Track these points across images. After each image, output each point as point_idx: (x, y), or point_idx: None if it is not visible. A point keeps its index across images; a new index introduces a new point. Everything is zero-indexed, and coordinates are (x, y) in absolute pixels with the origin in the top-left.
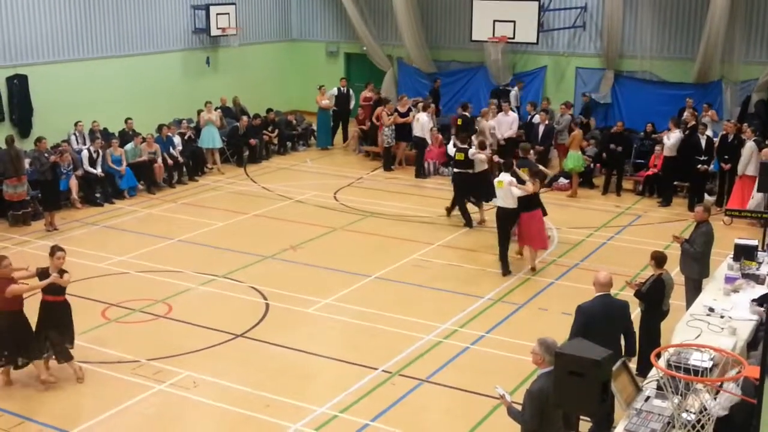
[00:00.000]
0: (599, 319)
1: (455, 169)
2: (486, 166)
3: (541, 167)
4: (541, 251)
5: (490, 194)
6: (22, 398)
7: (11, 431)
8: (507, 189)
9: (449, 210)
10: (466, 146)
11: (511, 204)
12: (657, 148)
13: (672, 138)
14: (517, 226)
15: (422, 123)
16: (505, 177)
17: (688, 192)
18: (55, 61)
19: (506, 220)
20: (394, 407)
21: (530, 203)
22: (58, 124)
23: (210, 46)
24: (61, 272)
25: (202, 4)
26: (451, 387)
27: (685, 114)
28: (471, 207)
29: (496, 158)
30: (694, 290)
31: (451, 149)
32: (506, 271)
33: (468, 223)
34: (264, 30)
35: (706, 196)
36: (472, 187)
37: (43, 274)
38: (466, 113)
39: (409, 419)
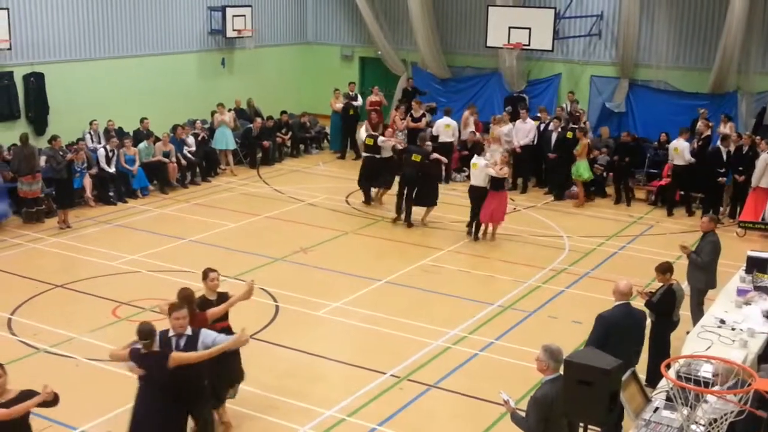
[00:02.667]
0: (619, 328)
1: (365, 153)
2: (391, 154)
3: (436, 155)
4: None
5: (390, 181)
6: None
7: None
8: (481, 170)
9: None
10: (376, 133)
11: (482, 183)
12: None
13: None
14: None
15: (453, 128)
16: (479, 160)
17: (701, 203)
18: (72, 60)
19: (477, 196)
20: (402, 412)
21: (496, 184)
22: (74, 123)
23: (225, 48)
24: (220, 295)
25: (218, 6)
26: (459, 393)
27: (699, 124)
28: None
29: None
30: (697, 303)
31: (363, 135)
32: (474, 237)
33: (367, 200)
34: (279, 32)
35: (721, 209)
36: (377, 170)
37: (203, 302)
38: (575, 126)
39: (416, 424)
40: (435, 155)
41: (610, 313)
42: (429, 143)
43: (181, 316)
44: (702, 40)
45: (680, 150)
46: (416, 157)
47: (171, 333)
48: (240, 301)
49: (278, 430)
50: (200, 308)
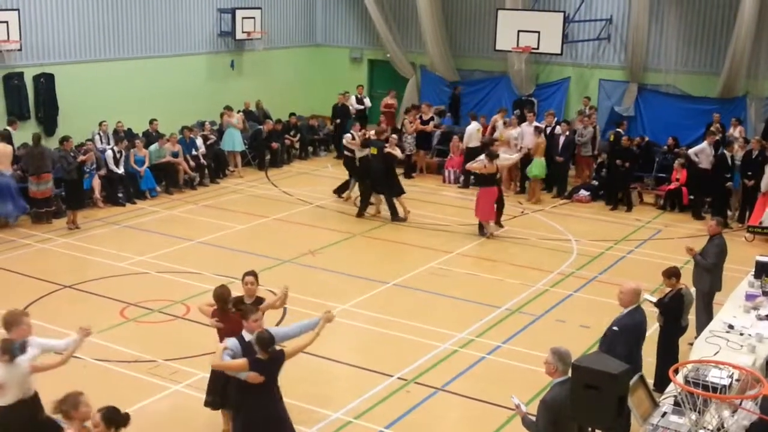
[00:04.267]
0: (642, 332)
1: (346, 152)
2: (365, 153)
3: (390, 150)
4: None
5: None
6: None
7: None
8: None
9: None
10: (352, 134)
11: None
12: (676, 162)
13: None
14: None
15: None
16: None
17: (710, 208)
18: (82, 61)
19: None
20: (409, 414)
21: (486, 181)
22: (83, 124)
23: (235, 50)
24: (257, 300)
25: (228, 8)
26: (466, 396)
27: (712, 128)
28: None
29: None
30: (704, 305)
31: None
32: (481, 233)
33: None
34: (289, 34)
35: (729, 213)
36: (355, 170)
37: (238, 303)
38: (620, 130)
39: (423, 427)
40: (388, 149)
41: (633, 320)
42: (394, 136)
43: (259, 318)
44: (711, 44)
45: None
46: (373, 150)
47: (249, 337)
48: (272, 308)
49: None
50: (236, 307)
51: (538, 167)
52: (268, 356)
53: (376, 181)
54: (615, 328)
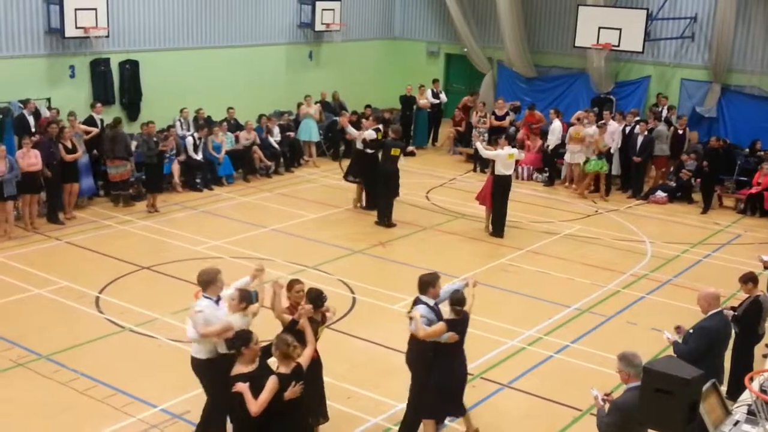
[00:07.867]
0: (722, 338)
1: (368, 150)
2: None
3: (412, 148)
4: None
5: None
6: (114, 372)
7: (106, 401)
8: (515, 160)
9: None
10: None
11: (510, 172)
12: (765, 165)
13: None
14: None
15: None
16: (514, 150)
17: None
18: (166, 49)
19: (507, 186)
20: (474, 409)
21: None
22: (165, 110)
23: (313, 41)
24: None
25: (309, 0)
26: (532, 394)
27: None
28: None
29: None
30: None
31: (372, 133)
32: (499, 234)
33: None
34: (367, 27)
35: None
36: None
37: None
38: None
39: (487, 422)
40: (411, 148)
41: (710, 323)
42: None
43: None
44: None
45: None
46: (395, 151)
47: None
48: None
49: (350, 419)
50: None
51: (593, 163)
52: (460, 316)
53: (389, 183)
54: (690, 330)
